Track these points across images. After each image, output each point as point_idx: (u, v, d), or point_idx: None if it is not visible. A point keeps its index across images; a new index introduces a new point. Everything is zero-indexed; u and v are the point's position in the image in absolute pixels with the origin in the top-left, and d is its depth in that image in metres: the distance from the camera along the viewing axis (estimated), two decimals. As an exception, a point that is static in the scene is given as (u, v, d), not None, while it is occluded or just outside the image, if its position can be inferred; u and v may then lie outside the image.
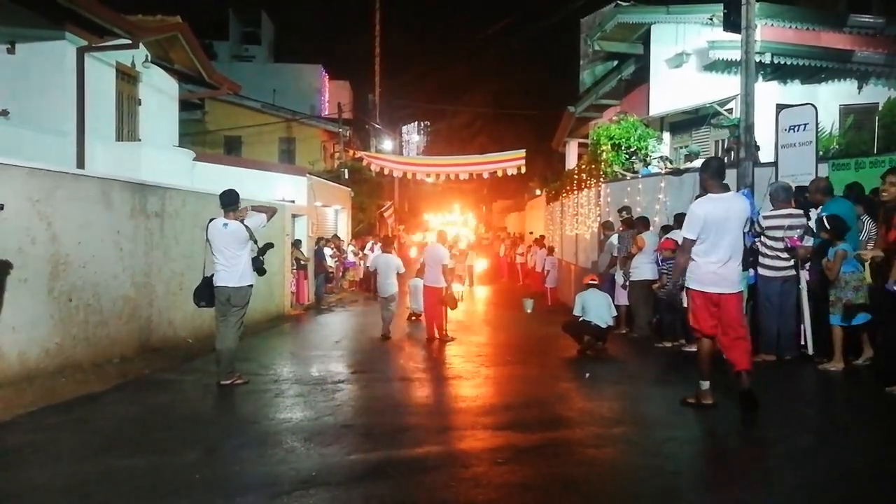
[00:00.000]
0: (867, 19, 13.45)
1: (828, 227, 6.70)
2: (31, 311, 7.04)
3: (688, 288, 5.65)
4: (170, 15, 15.13)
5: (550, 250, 18.21)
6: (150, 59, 14.15)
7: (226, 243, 6.89)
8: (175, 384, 7.20)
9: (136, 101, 14.30)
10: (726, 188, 5.76)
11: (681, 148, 14.25)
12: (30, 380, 6.84)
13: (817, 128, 9.05)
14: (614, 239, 10.90)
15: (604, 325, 8.63)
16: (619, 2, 16.06)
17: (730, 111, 12.89)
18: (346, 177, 22.62)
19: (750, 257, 7.42)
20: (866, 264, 6.56)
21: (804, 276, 7.31)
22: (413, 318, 12.52)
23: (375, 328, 11.04)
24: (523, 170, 17.27)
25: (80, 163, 11.61)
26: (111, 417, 5.84)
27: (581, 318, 8.71)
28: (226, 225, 6.92)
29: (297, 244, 14.82)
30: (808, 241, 7.15)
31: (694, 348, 5.99)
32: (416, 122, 57.70)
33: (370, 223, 25.14)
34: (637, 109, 14.49)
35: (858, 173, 8.41)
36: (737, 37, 9.87)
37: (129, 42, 12.57)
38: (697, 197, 6.23)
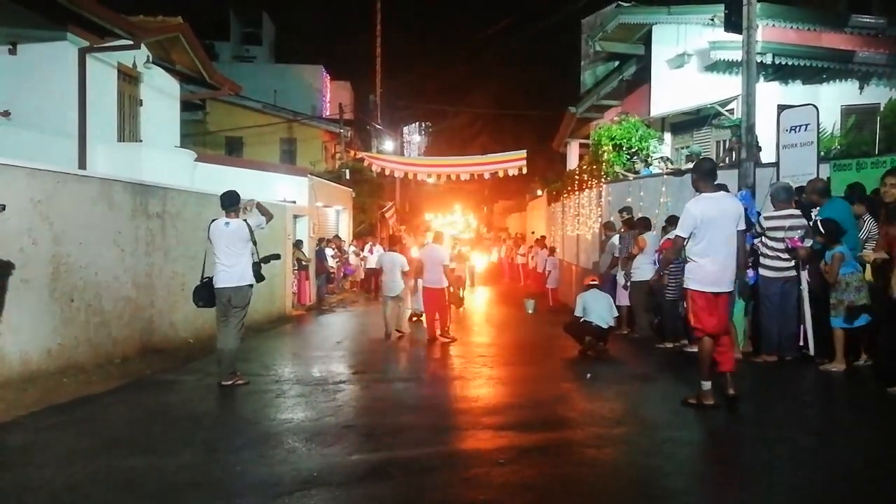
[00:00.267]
0: (868, 20, 13.43)
1: (823, 230, 6.71)
2: (32, 312, 7.05)
3: (688, 289, 5.66)
4: (171, 15, 15.12)
5: (552, 251, 18.21)
6: (151, 59, 14.16)
7: (228, 242, 6.92)
8: (176, 385, 7.21)
9: (137, 101, 14.31)
10: (718, 188, 5.81)
11: (682, 148, 14.23)
12: (31, 380, 6.85)
13: (818, 128, 9.06)
14: (616, 239, 10.90)
15: (605, 326, 8.63)
16: (621, 2, 16.05)
17: (731, 112, 12.87)
18: (348, 177, 22.61)
19: (750, 258, 7.43)
20: (866, 265, 6.57)
21: (804, 276, 7.30)
22: (414, 318, 12.53)
23: (377, 329, 11.05)
24: (524, 170, 17.25)
25: (82, 163, 11.62)
26: (112, 418, 5.85)
27: (582, 319, 8.71)
28: (227, 224, 6.97)
29: (298, 245, 14.83)
30: (809, 242, 7.15)
31: (695, 349, 6.00)
32: (418, 123, 57.63)
33: (371, 224, 25.13)
34: (638, 110, 14.49)
35: (860, 174, 8.40)
36: (738, 37, 9.88)
37: (131, 43, 12.57)
38: None
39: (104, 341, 8.08)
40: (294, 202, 15.22)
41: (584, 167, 15.10)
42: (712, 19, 12.75)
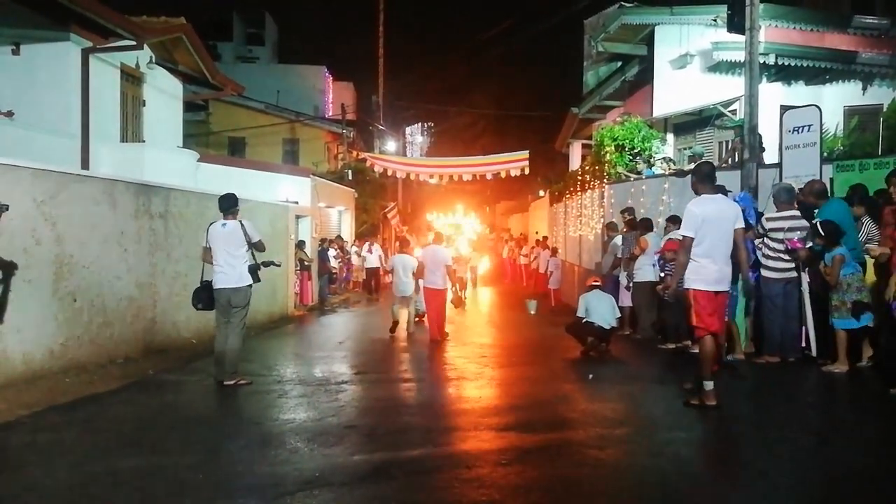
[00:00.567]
0: (871, 20, 13.42)
1: (822, 233, 6.69)
2: (35, 312, 7.06)
3: (690, 289, 5.66)
4: (174, 16, 15.16)
5: (554, 251, 18.20)
6: (154, 60, 14.18)
7: (225, 243, 6.99)
8: (179, 385, 7.22)
9: (140, 102, 14.34)
10: (717, 190, 5.89)
11: (684, 149, 14.23)
12: (34, 380, 6.86)
13: (821, 129, 9.04)
14: (618, 240, 10.89)
15: (607, 327, 8.62)
16: (623, 3, 16.05)
17: (734, 112, 12.86)
18: (350, 178, 22.64)
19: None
20: (866, 265, 6.57)
21: (805, 277, 7.29)
22: (416, 319, 12.53)
23: (379, 329, 11.06)
24: (527, 171, 17.26)
25: (85, 164, 11.64)
26: (115, 418, 5.85)
27: (584, 320, 8.70)
28: (224, 225, 7.05)
29: (301, 245, 14.85)
30: (809, 243, 7.14)
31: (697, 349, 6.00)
32: (420, 124, 57.64)
33: (374, 224, 25.15)
34: (641, 110, 14.48)
35: (863, 174, 8.39)
36: (741, 38, 9.87)
37: (134, 43, 12.60)
38: None
39: (106, 341, 8.09)
40: (296, 202, 15.24)
41: (587, 168, 15.09)
42: (715, 20, 12.74)
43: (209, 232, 7.07)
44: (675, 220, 9.20)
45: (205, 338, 9.49)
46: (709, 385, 5.55)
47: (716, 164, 10.49)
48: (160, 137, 14.73)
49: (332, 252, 17.22)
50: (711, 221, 5.49)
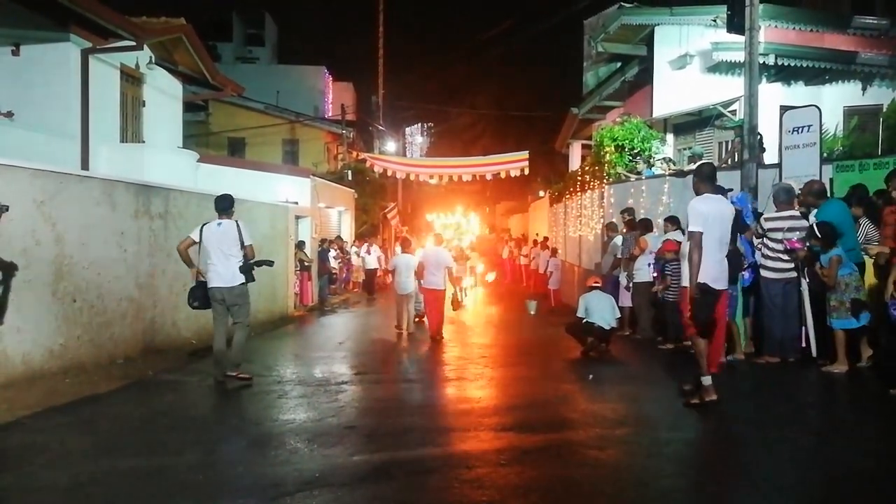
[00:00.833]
0: (871, 21, 13.43)
1: (819, 234, 6.69)
2: (35, 312, 7.07)
3: (686, 287, 5.66)
4: (174, 16, 15.16)
5: (554, 252, 18.20)
6: (154, 60, 14.18)
7: (219, 241, 7.03)
8: (179, 385, 7.22)
9: (140, 102, 14.33)
10: (717, 190, 5.96)
11: (684, 149, 14.24)
12: (34, 380, 6.86)
13: (821, 129, 9.05)
14: (618, 240, 10.89)
15: (607, 327, 8.62)
16: (623, 3, 16.06)
17: (733, 113, 12.87)
18: (350, 178, 22.65)
19: (745, 259, 7.49)
20: (865, 266, 6.57)
21: (805, 277, 7.29)
22: (417, 319, 12.54)
23: (379, 330, 11.07)
24: (527, 171, 17.27)
25: (85, 164, 11.65)
26: (115, 418, 5.85)
27: (584, 320, 8.70)
28: (219, 224, 7.11)
29: (300, 245, 14.85)
30: (807, 243, 7.14)
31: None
32: (420, 124, 57.67)
33: (374, 224, 25.16)
34: (640, 111, 14.48)
35: (862, 175, 8.40)
36: (740, 38, 9.87)
37: (134, 44, 12.60)
38: None
39: (106, 341, 8.10)
40: (296, 203, 15.24)
41: (587, 168, 15.09)
42: (715, 20, 12.75)
43: (203, 231, 7.10)
44: (673, 221, 9.21)
45: (205, 338, 9.48)
46: (707, 380, 5.57)
47: (716, 164, 10.49)
48: (160, 138, 14.72)
49: (331, 252, 17.22)
50: (715, 218, 5.55)
